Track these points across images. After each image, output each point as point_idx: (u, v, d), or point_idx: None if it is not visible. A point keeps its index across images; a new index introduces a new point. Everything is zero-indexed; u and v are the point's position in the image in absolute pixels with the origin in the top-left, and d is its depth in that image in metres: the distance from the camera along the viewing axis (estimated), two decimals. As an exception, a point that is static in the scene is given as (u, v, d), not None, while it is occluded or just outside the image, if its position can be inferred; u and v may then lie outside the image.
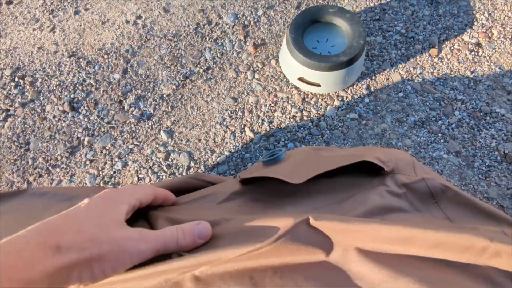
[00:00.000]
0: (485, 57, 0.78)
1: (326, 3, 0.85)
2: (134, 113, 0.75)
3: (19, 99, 0.78)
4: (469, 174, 0.67)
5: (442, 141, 0.70)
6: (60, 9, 0.89)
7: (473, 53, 0.78)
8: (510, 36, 0.79)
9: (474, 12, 0.83)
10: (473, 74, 0.76)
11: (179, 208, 0.35)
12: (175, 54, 0.81)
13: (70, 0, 0.90)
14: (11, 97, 0.78)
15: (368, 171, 0.34)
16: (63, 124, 0.75)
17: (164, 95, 0.77)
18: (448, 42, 0.80)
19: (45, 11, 0.89)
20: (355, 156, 0.34)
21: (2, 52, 0.84)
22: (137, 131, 0.74)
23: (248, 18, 0.85)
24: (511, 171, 0.67)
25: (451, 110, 0.72)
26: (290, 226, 0.25)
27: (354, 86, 0.76)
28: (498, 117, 0.71)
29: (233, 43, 0.82)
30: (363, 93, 0.75)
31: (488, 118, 0.71)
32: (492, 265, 0.23)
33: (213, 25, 0.85)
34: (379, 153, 0.35)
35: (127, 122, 0.75)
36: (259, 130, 0.72)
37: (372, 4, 0.85)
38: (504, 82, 0.75)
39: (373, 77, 0.77)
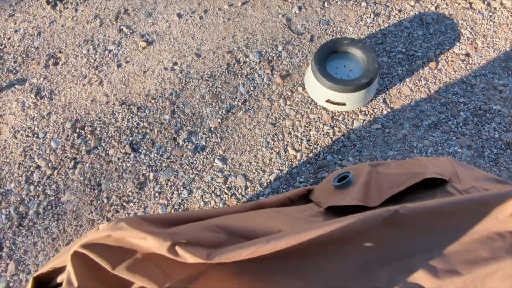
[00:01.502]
0: (475, 64, 0.93)
1: (339, 36, 1.00)
2: (188, 147, 0.86)
3: (83, 147, 0.88)
4: (481, 163, 0.79)
5: (454, 138, 0.83)
6: (103, 64, 1.01)
7: (464, 62, 0.93)
8: (492, 45, 0.95)
9: (459, 28, 0.99)
10: (468, 79, 0.91)
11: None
12: (214, 92, 0.94)
13: (111, 56, 1.02)
14: (75, 147, 0.88)
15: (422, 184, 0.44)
16: (128, 164, 0.85)
17: (212, 128, 0.89)
18: (443, 55, 0.95)
19: (90, 68, 1.01)
20: (416, 174, 0.45)
21: (59, 108, 0.94)
22: (195, 162, 0.84)
23: (271, 54, 0.99)
24: (515, 156, 0.80)
25: (457, 112, 0.86)
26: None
27: (373, 102, 0.89)
28: (495, 113, 0.85)
29: (262, 77, 0.95)
30: (381, 106, 0.88)
31: (487, 114, 0.85)
32: None
33: (241, 64, 0.98)
34: (432, 167, 0.46)
35: (184, 155, 0.85)
36: (300, 148, 0.84)
37: (373, 31, 1.00)
38: (495, 83, 0.90)
39: (387, 92, 0.90)
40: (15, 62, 1.03)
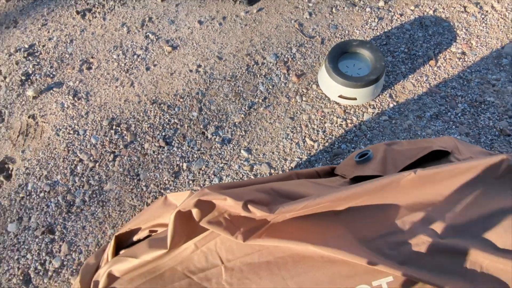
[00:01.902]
0: (470, 61, 1.04)
1: (348, 38, 1.10)
2: (216, 140, 0.96)
3: (121, 142, 0.97)
4: (478, 148, 0.90)
5: (453, 127, 0.93)
6: (133, 67, 1.11)
7: (461, 59, 1.04)
8: (485, 44, 1.06)
9: (455, 29, 1.10)
10: (465, 75, 1.01)
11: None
12: (236, 91, 1.04)
13: (139, 60, 1.12)
14: (113, 142, 0.98)
15: (430, 157, 0.54)
16: (162, 156, 0.95)
17: (236, 123, 0.98)
18: (441, 54, 1.06)
19: (121, 71, 1.11)
20: (425, 148, 0.55)
21: (96, 108, 1.04)
22: (223, 153, 0.94)
23: (286, 55, 1.09)
24: (507, 141, 0.90)
25: (455, 104, 0.97)
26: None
27: (380, 96, 0.99)
28: (489, 104, 0.96)
29: (279, 76, 1.05)
30: (387, 100, 0.99)
31: (482, 105, 0.96)
32: None
33: (260, 65, 1.08)
34: (438, 142, 0.56)
35: (213, 147, 0.95)
36: (317, 138, 0.94)
37: (378, 33, 1.11)
38: (488, 78, 1.00)
39: (392, 88, 1.01)
40: (51, 67, 1.13)
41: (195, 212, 0.43)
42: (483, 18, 1.11)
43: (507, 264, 0.43)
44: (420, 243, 0.44)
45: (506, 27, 1.09)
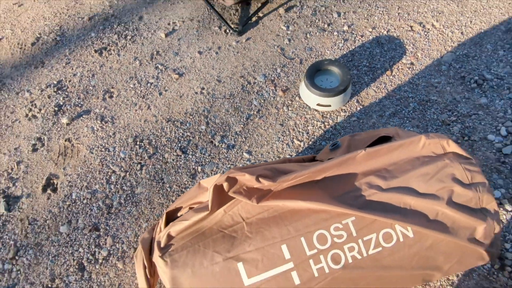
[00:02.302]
0: (417, 70, 1.31)
1: (320, 58, 1.37)
2: (222, 146, 1.20)
3: (145, 154, 1.20)
4: (427, 136, 1.15)
5: (407, 122, 1.19)
6: (148, 94, 1.35)
7: (410, 69, 1.32)
8: (428, 55, 1.34)
9: (404, 45, 1.38)
10: (414, 80, 1.29)
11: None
12: (235, 106, 1.28)
13: (153, 87, 1.36)
14: (139, 155, 1.20)
15: (380, 140, 0.80)
16: (180, 163, 1.17)
17: (237, 132, 1.22)
18: (395, 65, 1.33)
19: (138, 97, 1.34)
20: (375, 135, 0.80)
21: (121, 129, 1.27)
22: (229, 156, 1.18)
23: (272, 75, 1.35)
24: (448, 129, 1.17)
25: (407, 103, 1.23)
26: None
27: (350, 102, 1.25)
28: (433, 102, 1.23)
29: (269, 92, 1.31)
30: (355, 105, 1.25)
31: (428, 103, 1.23)
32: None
33: (252, 84, 1.33)
34: (384, 130, 0.82)
35: (220, 152, 1.19)
36: (302, 139, 1.19)
37: (344, 52, 1.38)
38: (432, 81, 1.28)
39: (359, 95, 1.27)
40: (79, 98, 1.36)
41: (225, 185, 0.66)
42: (426, 35, 1.40)
43: (426, 203, 0.67)
44: (371, 195, 0.69)
45: (444, 41, 1.38)
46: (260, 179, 0.66)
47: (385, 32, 1.42)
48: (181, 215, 0.76)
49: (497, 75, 1.27)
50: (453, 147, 0.72)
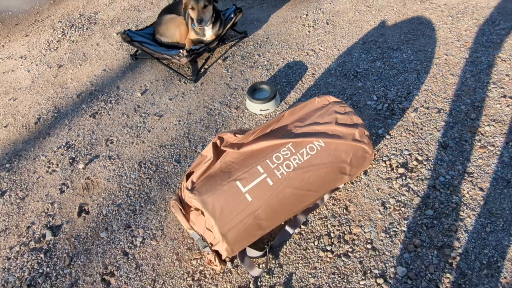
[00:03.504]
0: (317, 77, 2.00)
1: (255, 81, 2.00)
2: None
3: (150, 171, 1.65)
4: (333, 112, 1.79)
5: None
6: (140, 133, 1.83)
7: (313, 77, 2.00)
8: (322, 67, 2.04)
9: (306, 64, 2.08)
10: (316, 83, 1.96)
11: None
12: (206, 126, 1.82)
13: (142, 128, 1.85)
14: (146, 172, 1.65)
15: None
16: (178, 169, 1.64)
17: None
18: (303, 77, 2.01)
19: (133, 137, 1.82)
20: (307, 103, 1.40)
21: (127, 159, 1.71)
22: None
23: (225, 101, 1.93)
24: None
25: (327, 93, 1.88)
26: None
27: (280, 105, 1.87)
28: (331, 92, 1.89)
29: (226, 112, 1.88)
30: (284, 106, 1.86)
31: (328, 93, 1.89)
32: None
33: (213, 110, 1.90)
34: (317, 99, 1.42)
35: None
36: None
37: (269, 77, 2.03)
38: (327, 81, 1.96)
39: (285, 99, 1.90)
40: (86, 149, 1.79)
41: (218, 142, 1.18)
42: (317, 56, 2.13)
43: (326, 126, 1.25)
44: (297, 130, 1.25)
45: (329, 57, 2.11)
46: (236, 134, 1.19)
47: (291, 59, 2.13)
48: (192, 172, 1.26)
49: (364, 68, 2.00)
50: (332, 98, 1.34)
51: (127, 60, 2.31)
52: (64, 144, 1.84)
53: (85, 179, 1.67)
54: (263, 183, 1.15)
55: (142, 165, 1.68)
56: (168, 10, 2.21)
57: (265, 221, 1.16)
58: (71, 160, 1.75)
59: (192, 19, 2.06)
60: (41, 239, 1.47)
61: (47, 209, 1.57)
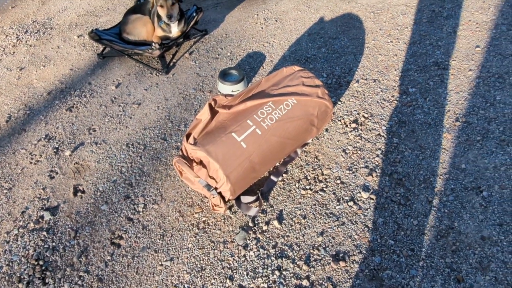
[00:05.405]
0: (275, 63, 2.32)
1: (227, 67, 2.25)
2: (187, 129, 1.89)
3: (139, 150, 1.79)
4: (293, 89, 2.13)
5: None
6: (122, 120, 1.96)
7: (271, 63, 2.32)
8: (278, 56, 2.38)
9: (264, 53, 2.40)
10: (275, 67, 2.28)
11: None
12: (184, 108, 2.01)
13: (123, 116, 1.98)
14: (135, 152, 1.78)
15: None
16: (165, 145, 1.81)
17: (192, 119, 1.95)
18: (263, 63, 2.32)
19: (117, 124, 1.93)
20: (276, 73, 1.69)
21: (113, 143, 1.83)
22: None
23: (198, 87, 2.15)
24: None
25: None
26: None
27: (248, 85, 2.15)
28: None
29: (200, 95, 2.09)
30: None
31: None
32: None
33: (189, 95, 2.10)
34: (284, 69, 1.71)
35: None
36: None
37: (233, 65, 2.31)
38: (284, 65, 2.30)
39: (252, 81, 2.18)
40: (69, 139, 1.86)
41: (212, 103, 1.41)
42: (272, 47, 2.46)
43: (295, 87, 1.56)
44: (274, 92, 1.54)
45: (282, 47, 2.46)
46: (226, 97, 1.44)
47: (251, 50, 2.43)
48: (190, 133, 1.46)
49: (312, 54, 2.39)
50: (297, 67, 1.66)
51: (94, 59, 2.40)
52: (44, 136, 1.88)
53: (74, 164, 1.74)
54: (254, 133, 1.40)
55: (130, 146, 1.81)
56: (133, 10, 2.37)
57: (258, 164, 1.41)
58: (55, 150, 1.80)
59: (158, 17, 2.25)
60: (40, 220, 1.52)
61: (40, 195, 1.62)
